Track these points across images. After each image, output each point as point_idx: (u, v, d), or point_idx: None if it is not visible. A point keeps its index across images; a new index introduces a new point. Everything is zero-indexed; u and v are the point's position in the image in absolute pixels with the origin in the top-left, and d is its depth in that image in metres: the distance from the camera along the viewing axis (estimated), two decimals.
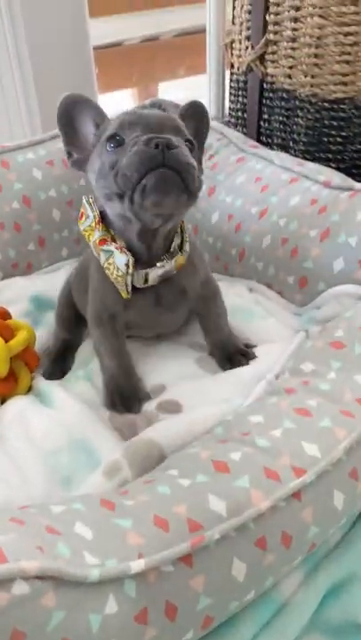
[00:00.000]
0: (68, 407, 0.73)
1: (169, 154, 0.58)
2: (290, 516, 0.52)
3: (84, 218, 0.72)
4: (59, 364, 0.86)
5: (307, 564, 0.59)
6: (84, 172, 0.69)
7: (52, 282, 0.94)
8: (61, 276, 0.96)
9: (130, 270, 0.68)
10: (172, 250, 0.71)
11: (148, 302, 0.73)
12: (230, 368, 0.79)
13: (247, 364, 0.80)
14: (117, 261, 0.68)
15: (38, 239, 0.97)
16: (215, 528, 0.48)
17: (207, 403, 0.73)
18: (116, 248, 0.68)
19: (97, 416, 0.73)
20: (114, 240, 0.70)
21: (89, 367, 0.83)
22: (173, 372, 0.80)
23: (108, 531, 0.48)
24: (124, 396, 0.76)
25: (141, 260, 0.69)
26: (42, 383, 0.79)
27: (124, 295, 0.71)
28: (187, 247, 0.73)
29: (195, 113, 0.72)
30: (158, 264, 0.70)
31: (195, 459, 0.57)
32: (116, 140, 0.62)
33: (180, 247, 0.72)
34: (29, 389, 0.80)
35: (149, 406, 0.76)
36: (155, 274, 0.70)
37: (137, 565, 0.45)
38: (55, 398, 0.76)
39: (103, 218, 0.71)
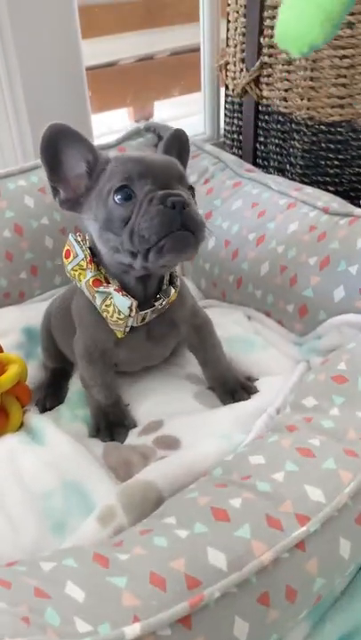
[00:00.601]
0: (61, 445, 0.71)
1: (185, 214, 0.58)
2: (294, 569, 0.49)
3: (71, 257, 0.68)
4: (52, 394, 0.85)
5: (313, 615, 0.56)
6: (77, 213, 0.66)
7: (44, 311, 0.92)
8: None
9: (132, 313, 0.66)
10: (164, 287, 0.70)
11: (139, 338, 0.72)
12: (232, 402, 0.77)
13: (249, 397, 0.78)
14: (119, 304, 0.65)
15: (31, 268, 0.95)
16: (215, 585, 0.46)
17: (206, 438, 0.70)
18: (116, 290, 0.66)
19: (90, 454, 0.70)
20: (107, 280, 0.67)
21: (85, 408, 0.81)
22: (171, 406, 0.78)
23: (101, 591, 0.45)
24: (110, 423, 0.75)
25: (138, 301, 0.67)
26: (34, 419, 0.76)
27: (120, 335, 0.69)
28: (177, 282, 0.72)
29: (178, 141, 0.71)
30: (157, 303, 0.68)
31: (193, 505, 0.54)
32: (126, 193, 0.59)
33: (170, 282, 0.71)
34: (21, 425, 0.77)
35: (146, 441, 0.73)
36: (151, 312, 0.68)
37: (132, 631, 0.42)
38: (47, 435, 0.73)
39: (93, 256, 0.68)
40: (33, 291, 0.98)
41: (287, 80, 1.06)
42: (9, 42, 1.13)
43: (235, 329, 0.88)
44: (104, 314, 0.67)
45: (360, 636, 0.57)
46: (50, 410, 0.83)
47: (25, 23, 1.12)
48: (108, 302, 0.66)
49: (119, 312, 0.65)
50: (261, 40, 1.08)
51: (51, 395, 0.84)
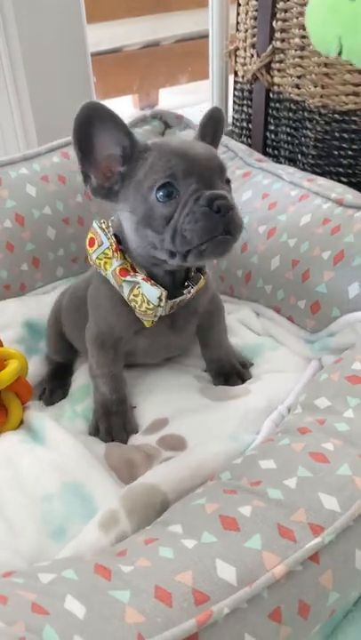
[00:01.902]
0: (61, 445, 0.69)
1: (229, 218, 0.56)
2: (307, 582, 0.47)
3: (95, 245, 0.66)
4: (57, 388, 0.83)
5: (324, 629, 0.54)
6: (112, 202, 0.63)
7: (46, 304, 0.89)
8: (56, 297, 0.90)
9: (162, 303, 0.63)
10: (192, 275, 0.68)
11: (163, 326, 0.69)
12: (223, 384, 0.78)
13: (241, 384, 0.78)
14: (148, 294, 0.63)
15: (32, 259, 0.92)
16: (225, 600, 0.43)
17: (213, 439, 0.68)
18: (144, 280, 0.63)
19: (92, 454, 0.68)
20: (133, 269, 0.65)
21: (86, 403, 0.78)
22: (177, 402, 0.76)
23: (102, 606, 0.42)
24: (111, 425, 0.73)
25: (167, 290, 0.65)
26: (34, 417, 0.74)
27: (148, 324, 0.67)
28: (205, 269, 0.70)
29: (213, 120, 0.69)
30: (185, 291, 0.66)
31: (201, 512, 0.52)
32: (169, 191, 0.57)
33: (198, 269, 0.69)
34: (21, 423, 0.74)
35: (150, 440, 0.71)
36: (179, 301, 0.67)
37: None
38: (47, 434, 0.71)
39: (118, 243, 0.66)
40: (34, 283, 0.95)
41: (300, 66, 1.02)
42: (12, 26, 1.09)
43: (242, 333, 0.85)
44: (132, 304, 0.65)
45: None
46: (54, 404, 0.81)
47: (28, 7, 1.09)
48: (136, 292, 0.64)
49: (148, 302, 0.63)
50: (274, 24, 1.04)
51: (56, 389, 0.82)
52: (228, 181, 0.62)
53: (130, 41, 1.96)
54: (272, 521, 0.49)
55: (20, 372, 0.75)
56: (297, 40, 1.00)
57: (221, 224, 0.56)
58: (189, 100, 1.97)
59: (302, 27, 0.99)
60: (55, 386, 0.83)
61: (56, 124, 1.20)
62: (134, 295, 0.64)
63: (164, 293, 0.63)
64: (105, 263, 0.65)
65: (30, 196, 0.91)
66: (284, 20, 1.02)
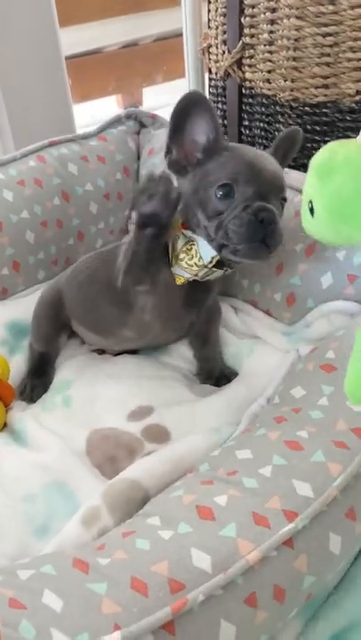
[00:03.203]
0: (44, 445, 0.70)
1: (270, 230, 0.62)
2: (282, 567, 0.48)
3: None
4: (37, 384, 0.83)
5: (305, 613, 0.55)
6: (179, 176, 0.69)
7: (29, 306, 0.90)
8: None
9: (210, 265, 0.67)
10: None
11: (175, 295, 0.72)
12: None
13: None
14: (204, 251, 0.67)
15: (12, 263, 0.92)
16: (199, 588, 0.44)
17: (196, 431, 0.70)
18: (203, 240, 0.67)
19: (74, 453, 0.69)
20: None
21: (67, 393, 0.79)
22: (162, 392, 0.78)
23: (80, 599, 0.43)
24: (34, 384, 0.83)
25: None
26: (16, 419, 0.75)
27: (179, 281, 0.70)
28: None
29: (290, 139, 0.75)
30: (225, 268, 0.70)
31: (178, 504, 0.53)
32: (227, 192, 0.63)
33: None
34: (4, 426, 0.75)
35: (135, 429, 0.72)
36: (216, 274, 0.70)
37: None
38: (29, 435, 0.72)
39: None
40: (16, 287, 0.95)
41: (270, 61, 1.02)
42: None
43: (223, 338, 0.87)
44: (182, 255, 0.68)
45: (354, 633, 0.55)
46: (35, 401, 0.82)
47: None
48: (188, 247, 0.68)
49: (200, 259, 0.67)
50: (242, 20, 1.05)
51: (37, 386, 0.83)
52: (283, 199, 0.67)
53: (108, 42, 1.96)
54: (247, 509, 0.50)
55: (2, 376, 0.76)
56: (266, 35, 1.01)
57: (261, 234, 0.62)
58: (172, 100, 1.98)
59: (270, 21, 1.00)
60: (36, 383, 0.83)
61: (32, 129, 1.20)
62: (187, 249, 0.68)
63: (217, 257, 0.66)
64: None
65: (7, 200, 0.91)
66: (253, 16, 1.03)
